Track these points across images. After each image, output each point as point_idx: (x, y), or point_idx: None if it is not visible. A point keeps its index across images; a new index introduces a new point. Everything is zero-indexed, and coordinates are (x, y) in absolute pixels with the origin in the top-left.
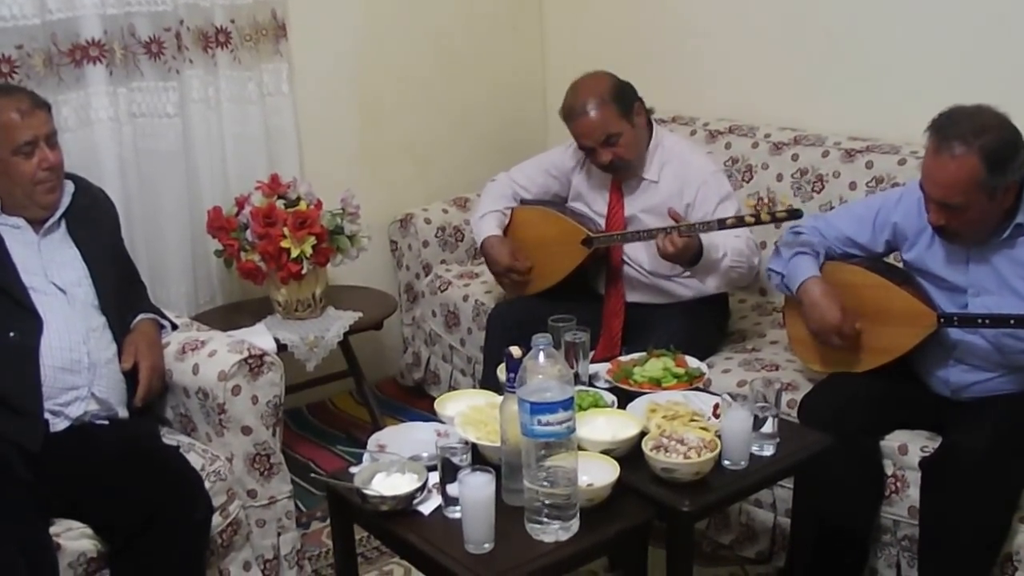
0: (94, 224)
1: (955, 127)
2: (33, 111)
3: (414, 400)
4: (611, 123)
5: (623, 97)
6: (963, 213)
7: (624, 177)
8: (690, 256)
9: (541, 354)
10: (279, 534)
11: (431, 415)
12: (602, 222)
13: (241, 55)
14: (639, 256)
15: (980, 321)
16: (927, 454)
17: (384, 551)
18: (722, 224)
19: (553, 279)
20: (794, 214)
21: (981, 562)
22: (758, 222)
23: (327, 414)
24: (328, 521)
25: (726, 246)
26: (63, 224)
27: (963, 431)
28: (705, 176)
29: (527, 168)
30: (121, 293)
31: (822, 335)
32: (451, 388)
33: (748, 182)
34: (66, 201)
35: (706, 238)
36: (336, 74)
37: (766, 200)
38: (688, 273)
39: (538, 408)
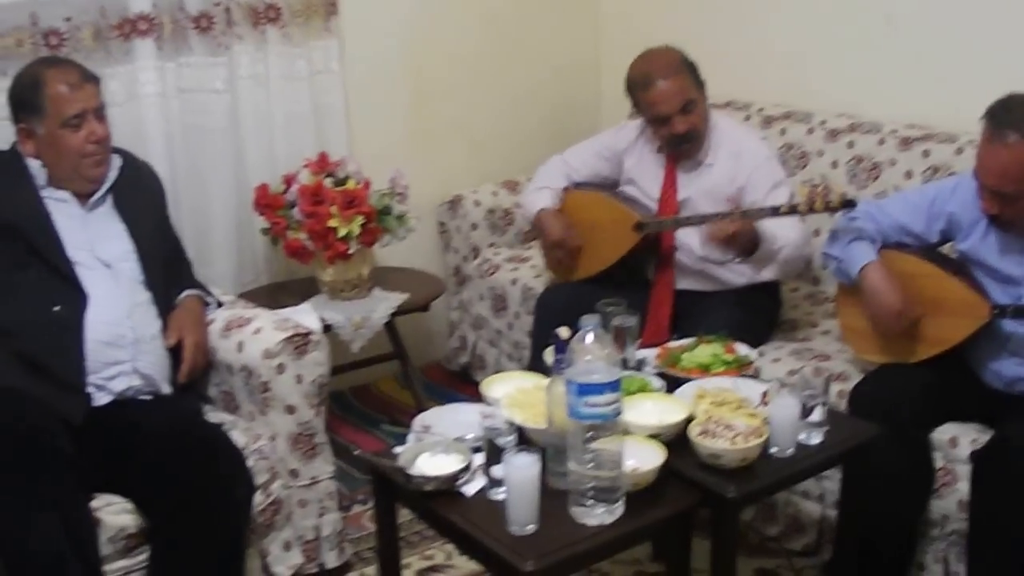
0: (140, 199)
1: (1010, 115)
2: (82, 84)
3: (459, 385)
4: (688, 89)
5: (694, 68)
6: (1016, 202)
7: (685, 156)
8: (745, 244)
9: (589, 335)
10: (320, 515)
11: (476, 400)
12: (653, 205)
13: (291, 31)
14: (691, 241)
15: None
16: (977, 447)
17: (426, 535)
18: (775, 211)
19: (603, 263)
20: (848, 204)
21: None
22: (811, 211)
23: (371, 397)
24: (369, 504)
25: (784, 238)
26: (110, 198)
27: (1015, 425)
28: (759, 160)
29: (579, 150)
30: (166, 269)
31: (883, 320)
32: (497, 373)
33: (803, 169)
34: (113, 175)
35: (762, 228)
36: (387, 53)
37: (820, 187)
38: (739, 260)
39: (585, 389)
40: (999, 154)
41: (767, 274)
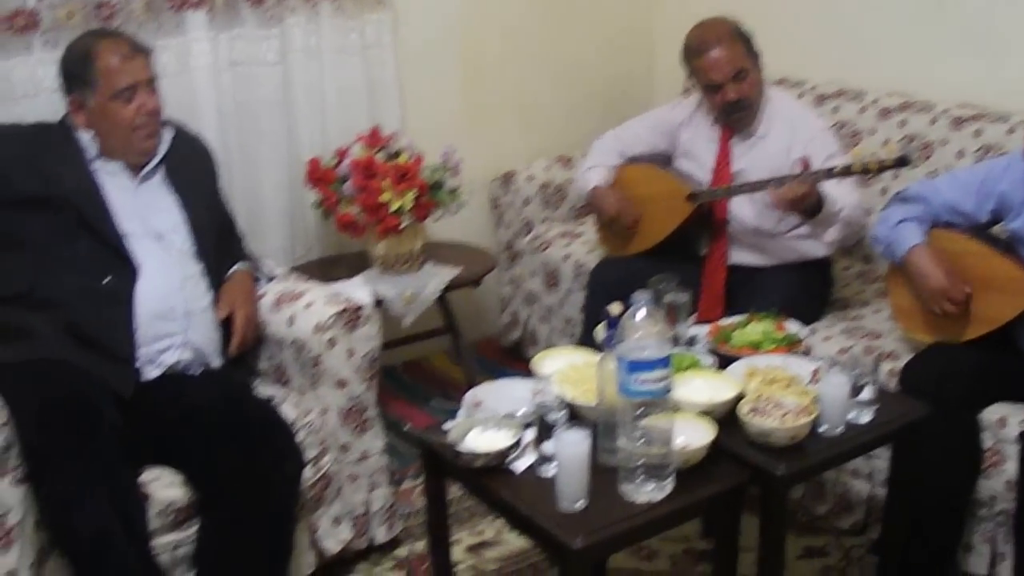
0: (192, 172)
1: None
2: (134, 56)
3: (511, 361)
4: (740, 58)
5: (748, 38)
6: None
7: (738, 127)
8: (809, 206)
9: (641, 311)
10: (371, 490)
11: (528, 376)
12: (708, 178)
13: (344, 4)
14: (744, 212)
15: None
16: None
17: (476, 511)
18: (830, 173)
19: (657, 237)
20: (902, 161)
21: None
22: (866, 172)
23: (422, 373)
24: (419, 480)
25: (844, 200)
26: (161, 171)
27: None
28: (815, 132)
29: (634, 125)
30: (218, 242)
31: (932, 301)
32: (549, 349)
33: (854, 147)
34: (164, 148)
35: (824, 191)
36: (440, 27)
37: (873, 151)
38: (795, 232)
39: (636, 366)
40: None
41: (828, 237)
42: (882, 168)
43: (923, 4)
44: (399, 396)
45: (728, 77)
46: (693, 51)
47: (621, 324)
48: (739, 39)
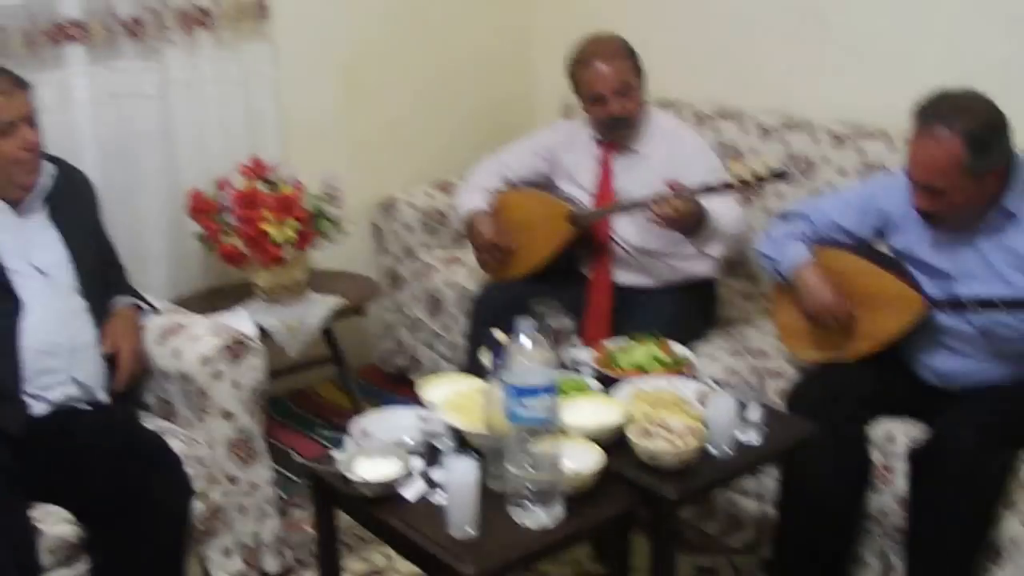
0: (74, 206)
1: (939, 111)
2: (13, 91)
3: (396, 387)
4: (627, 73)
5: (636, 56)
6: (947, 197)
7: (618, 144)
8: (692, 223)
9: (525, 337)
10: (260, 521)
11: (413, 401)
12: (590, 199)
13: (222, 36)
14: (626, 233)
15: (968, 305)
16: (915, 444)
17: (365, 539)
18: (709, 188)
19: (538, 260)
20: (780, 175)
21: (967, 552)
22: (745, 186)
23: (308, 402)
24: (309, 509)
25: (725, 215)
26: (44, 206)
27: (952, 422)
28: (695, 148)
29: (514, 149)
30: (102, 276)
31: (819, 317)
32: (434, 375)
33: (733, 162)
34: (47, 183)
35: (706, 205)
36: (319, 56)
37: (752, 165)
38: (678, 251)
39: (522, 392)
40: (928, 149)
41: (713, 252)
42: (761, 182)
43: (802, 24)
44: (286, 426)
45: (613, 90)
46: (580, 61)
47: (506, 351)
48: (628, 55)
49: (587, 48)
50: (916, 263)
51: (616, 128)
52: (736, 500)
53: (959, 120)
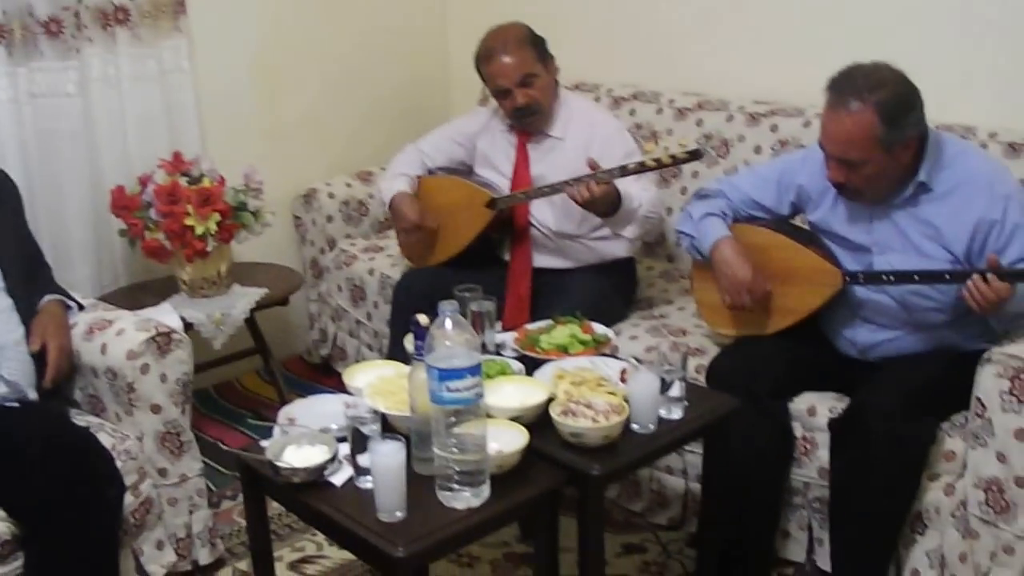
0: None
1: (851, 84)
2: None
3: (321, 378)
4: (528, 63)
5: (539, 42)
6: (861, 169)
7: (531, 131)
8: (608, 205)
9: (447, 321)
10: (191, 512)
11: (339, 391)
12: (508, 184)
13: (141, 32)
14: (545, 217)
15: (885, 278)
16: (834, 415)
17: (296, 527)
18: (624, 171)
19: (459, 245)
20: (694, 155)
21: (891, 521)
22: (660, 166)
23: (235, 394)
24: (239, 500)
25: (640, 196)
26: None
27: (870, 392)
28: (610, 131)
29: (433, 137)
30: (26, 275)
31: (734, 294)
32: (359, 363)
33: (648, 144)
34: None
35: (622, 188)
36: (236, 49)
37: (666, 145)
38: (595, 235)
39: (446, 374)
40: (842, 122)
41: (628, 233)
42: (675, 162)
43: (715, 5)
44: (214, 418)
45: (515, 83)
46: (482, 57)
47: (429, 334)
48: (528, 44)
49: (488, 42)
50: (834, 237)
51: (525, 117)
52: (661, 478)
53: (872, 92)
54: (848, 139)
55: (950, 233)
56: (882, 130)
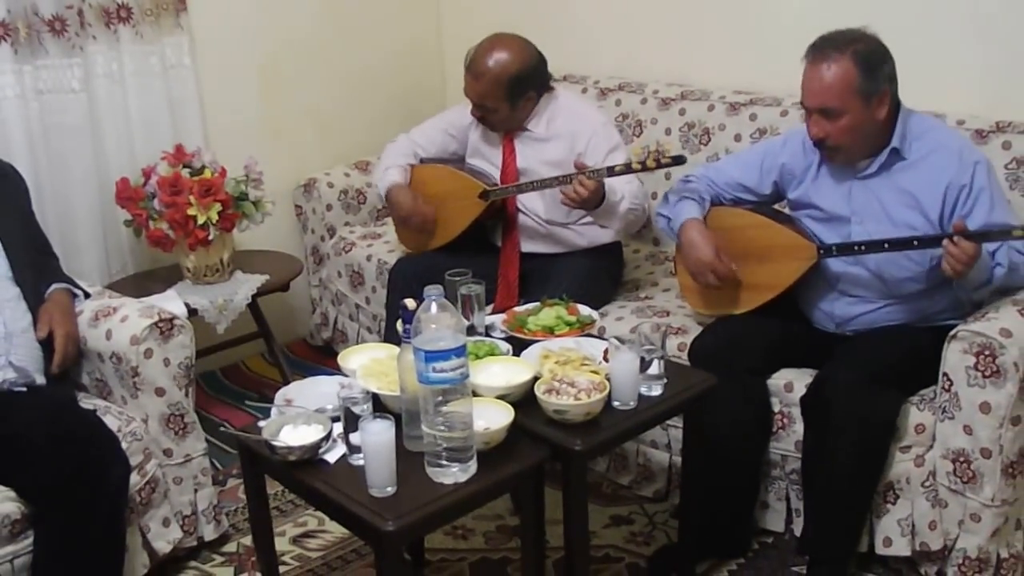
0: (4, 198)
1: (829, 41)
2: None
3: (323, 359)
4: (489, 98)
5: (518, 84)
6: (839, 119)
7: (515, 129)
8: (595, 201)
9: (433, 305)
10: (196, 491)
11: (339, 373)
12: (497, 174)
13: (143, 30)
14: (534, 205)
15: (857, 248)
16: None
17: (298, 504)
18: (611, 172)
19: (452, 233)
20: (678, 160)
21: (859, 492)
22: (645, 169)
23: (240, 375)
24: (242, 478)
25: (623, 190)
26: None
27: (834, 367)
28: (595, 127)
29: (426, 127)
30: (34, 265)
31: (698, 273)
32: (357, 345)
33: (638, 136)
34: None
35: (605, 183)
36: (236, 45)
37: (653, 148)
38: (583, 220)
39: (432, 356)
40: (821, 72)
41: (612, 226)
42: (659, 166)
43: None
44: (219, 399)
45: (474, 101)
46: (466, 59)
47: (416, 318)
48: (503, 85)
49: (477, 51)
50: (814, 210)
51: (482, 123)
52: (647, 452)
53: (849, 44)
54: (828, 87)
55: (925, 199)
56: (860, 78)
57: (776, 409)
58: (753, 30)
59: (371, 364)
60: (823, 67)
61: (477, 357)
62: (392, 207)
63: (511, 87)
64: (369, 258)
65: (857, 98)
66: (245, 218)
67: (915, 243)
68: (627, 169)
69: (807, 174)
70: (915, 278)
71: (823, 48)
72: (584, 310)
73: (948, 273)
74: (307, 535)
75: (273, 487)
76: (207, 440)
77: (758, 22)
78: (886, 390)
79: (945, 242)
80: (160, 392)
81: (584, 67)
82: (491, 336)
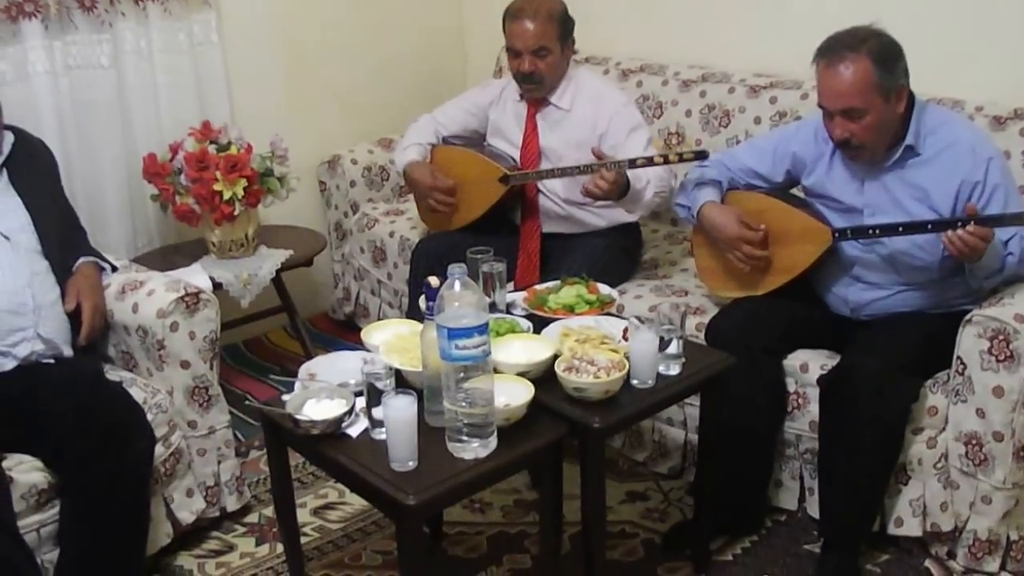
0: (35, 173)
1: (840, 42)
2: None
3: (345, 334)
4: (547, 38)
5: (566, 23)
6: (863, 118)
7: (536, 98)
8: (619, 192)
9: (456, 282)
10: (219, 462)
11: (361, 347)
12: (517, 154)
13: (171, 6)
14: (554, 186)
15: (871, 231)
16: (825, 372)
17: (319, 476)
18: (632, 164)
19: (473, 214)
20: (700, 155)
21: (876, 474)
22: (666, 162)
23: (263, 349)
24: (264, 450)
25: (648, 175)
26: (5, 173)
27: (858, 352)
28: (617, 107)
29: (448, 107)
30: (62, 238)
31: (732, 250)
32: (380, 320)
33: (659, 118)
34: (6, 151)
35: (629, 172)
36: (263, 22)
37: (675, 137)
38: (603, 202)
39: (455, 333)
40: (841, 75)
41: (637, 212)
42: (681, 159)
43: None
44: (242, 372)
45: (529, 49)
46: (510, 14)
47: (439, 295)
48: (555, 20)
49: (515, 5)
50: (827, 201)
51: (526, 83)
52: (663, 429)
53: (862, 43)
54: (849, 88)
55: (936, 194)
56: (879, 75)
57: (791, 389)
58: (774, 13)
59: (394, 340)
60: (840, 68)
61: (498, 334)
62: (411, 184)
63: (562, 23)
64: (391, 234)
65: (878, 95)
66: (270, 194)
67: (929, 227)
68: (648, 162)
69: (819, 164)
70: (927, 266)
71: (836, 49)
72: (604, 289)
73: (955, 255)
74: (327, 507)
75: (294, 459)
76: (230, 412)
77: (779, 5)
78: (908, 377)
79: (957, 226)
80: (185, 365)
81: (606, 48)
82: (512, 314)
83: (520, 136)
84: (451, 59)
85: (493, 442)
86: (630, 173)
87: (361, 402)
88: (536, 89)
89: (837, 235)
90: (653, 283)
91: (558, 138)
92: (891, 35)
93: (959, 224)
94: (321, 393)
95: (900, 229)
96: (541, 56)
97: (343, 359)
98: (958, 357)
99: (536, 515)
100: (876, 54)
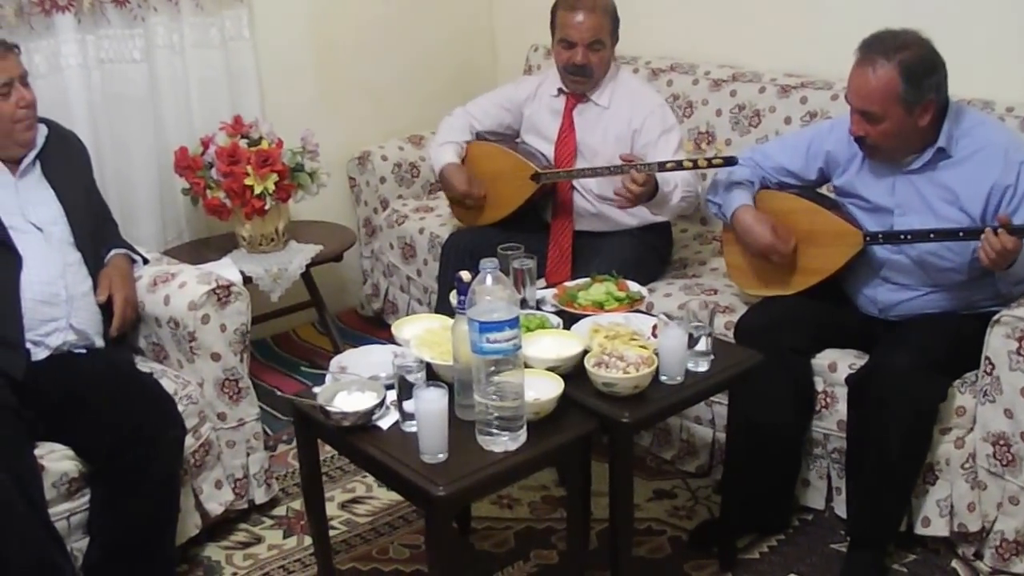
0: (67, 165)
1: (880, 43)
2: (5, 55)
3: (373, 330)
4: (603, 31)
5: (616, 19)
6: (881, 124)
7: (580, 95)
8: (648, 196)
9: (488, 277)
10: (248, 454)
11: (390, 343)
12: (551, 150)
13: (203, 2)
14: (588, 182)
15: (903, 237)
16: (854, 371)
17: (347, 470)
18: (662, 167)
19: (504, 211)
20: (729, 161)
21: (904, 473)
22: (695, 167)
23: (291, 344)
24: (293, 443)
25: (675, 179)
26: (38, 166)
27: (887, 352)
28: (653, 107)
29: (482, 102)
30: (95, 230)
31: (761, 255)
32: (408, 316)
33: (688, 117)
34: (40, 142)
35: (658, 176)
36: (294, 18)
37: (705, 137)
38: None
39: (486, 327)
40: (867, 76)
41: (665, 215)
42: (710, 165)
43: None
44: (271, 366)
45: (585, 41)
46: (565, 4)
47: (471, 289)
48: (609, 15)
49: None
50: (858, 201)
51: (575, 75)
52: (691, 428)
53: (897, 52)
54: (870, 93)
55: (967, 197)
56: (903, 88)
57: (820, 388)
58: (805, 13)
59: (425, 334)
60: (868, 71)
61: (528, 330)
62: (446, 187)
63: (614, 19)
64: (421, 231)
65: (899, 107)
66: (300, 189)
67: (960, 234)
68: (678, 166)
69: (852, 163)
70: (956, 269)
71: (872, 51)
72: (633, 286)
73: (987, 265)
74: (356, 501)
75: (323, 454)
76: (259, 406)
77: (811, 5)
78: (936, 377)
79: (987, 232)
80: (216, 357)
81: (636, 47)
82: (542, 310)
83: (556, 131)
84: (481, 56)
85: (523, 436)
86: (658, 176)
87: (392, 395)
88: (585, 82)
89: (868, 239)
90: (682, 281)
91: (594, 134)
92: (934, 48)
93: (990, 229)
94: (352, 385)
95: (931, 236)
96: (595, 50)
97: (374, 352)
98: (986, 357)
99: (563, 511)
100: (906, 66)
